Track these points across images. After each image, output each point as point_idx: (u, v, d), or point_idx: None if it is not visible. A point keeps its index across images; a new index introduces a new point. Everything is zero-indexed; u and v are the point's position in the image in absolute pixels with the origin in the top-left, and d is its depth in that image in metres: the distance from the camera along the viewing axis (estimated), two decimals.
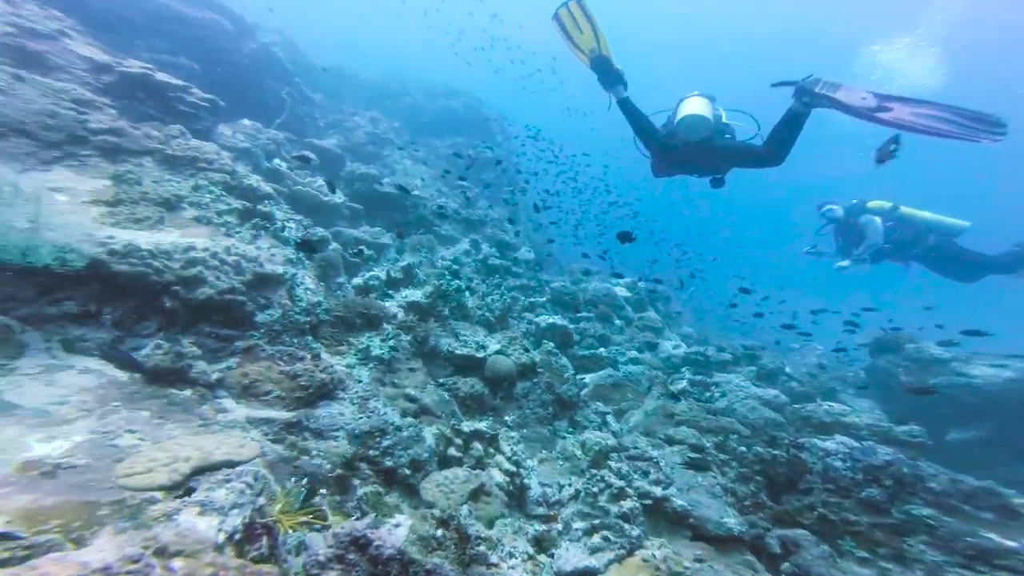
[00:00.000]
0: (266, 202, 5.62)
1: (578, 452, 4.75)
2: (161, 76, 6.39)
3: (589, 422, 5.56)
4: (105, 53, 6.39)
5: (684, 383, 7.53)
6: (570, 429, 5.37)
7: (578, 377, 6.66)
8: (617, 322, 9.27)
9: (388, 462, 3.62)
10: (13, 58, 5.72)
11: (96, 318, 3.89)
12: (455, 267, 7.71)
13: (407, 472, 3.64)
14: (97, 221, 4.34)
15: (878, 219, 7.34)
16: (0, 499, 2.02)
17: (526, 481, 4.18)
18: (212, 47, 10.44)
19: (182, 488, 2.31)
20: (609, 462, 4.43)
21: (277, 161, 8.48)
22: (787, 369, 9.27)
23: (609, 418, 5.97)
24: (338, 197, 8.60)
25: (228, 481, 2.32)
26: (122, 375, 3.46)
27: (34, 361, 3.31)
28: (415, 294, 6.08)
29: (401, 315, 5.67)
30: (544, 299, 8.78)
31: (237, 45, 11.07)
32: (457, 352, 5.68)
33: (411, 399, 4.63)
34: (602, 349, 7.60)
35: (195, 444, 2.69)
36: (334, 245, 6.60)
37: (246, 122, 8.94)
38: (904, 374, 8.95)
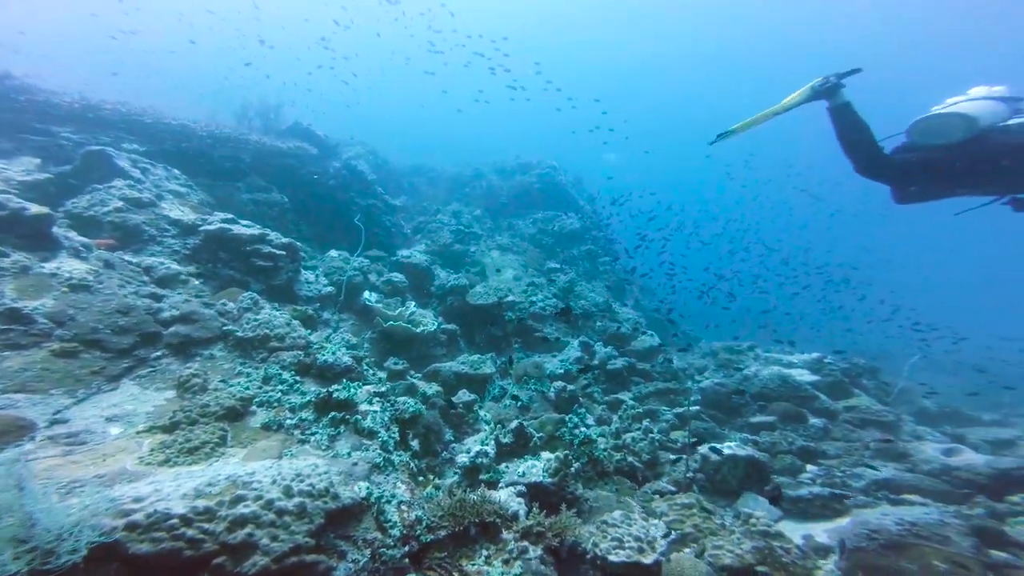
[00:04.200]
0: (344, 381, 4.39)
1: None
2: (238, 229, 5.76)
3: None
4: (194, 211, 5.99)
5: None
6: None
7: (811, 539, 4.19)
8: (815, 421, 6.40)
9: None
10: (118, 236, 5.43)
11: None
12: (576, 403, 5.83)
13: None
14: (143, 463, 3.29)
15: None
16: None
17: None
18: (300, 174, 10.47)
19: None
20: None
21: (367, 293, 7.62)
22: None
23: None
24: (430, 324, 7.41)
25: None
26: None
27: None
28: (534, 470, 4.27)
29: (523, 513, 3.87)
30: (696, 408, 6.43)
31: (323, 167, 11.11)
32: (612, 560, 3.70)
33: None
34: (824, 488, 4.80)
35: None
36: (430, 405, 5.18)
37: (333, 253, 8.37)
38: None
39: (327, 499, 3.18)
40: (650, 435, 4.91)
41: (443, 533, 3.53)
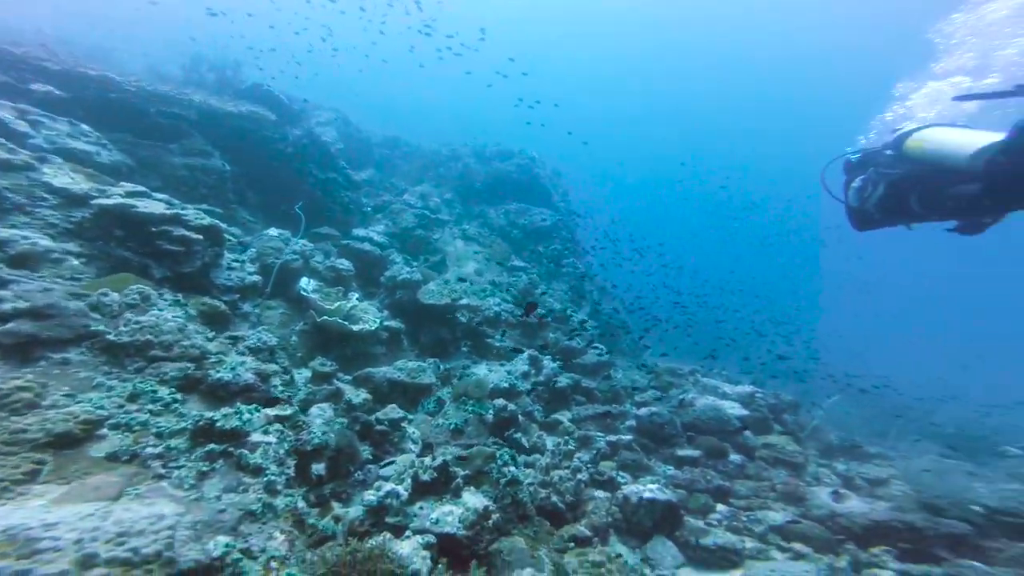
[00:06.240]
0: (237, 405, 3.65)
1: None
2: (146, 206, 4.80)
3: None
4: (89, 179, 4.98)
5: None
6: None
7: None
8: (734, 458, 6.13)
9: None
10: None
11: None
12: (515, 424, 5.33)
13: None
14: None
15: None
16: None
17: None
18: (253, 140, 9.36)
19: None
20: None
21: (304, 281, 6.76)
22: None
23: None
24: (372, 321, 6.67)
25: None
26: None
27: None
28: (450, 518, 3.74)
29: (425, 571, 3.33)
30: (629, 437, 6.05)
31: (281, 133, 9.97)
32: None
33: None
34: (727, 533, 4.56)
35: None
36: (352, 419, 4.54)
37: (273, 232, 7.38)
38: None
39: (155, 567, 2.50)
40: (578, 475, 4.47)
41: None
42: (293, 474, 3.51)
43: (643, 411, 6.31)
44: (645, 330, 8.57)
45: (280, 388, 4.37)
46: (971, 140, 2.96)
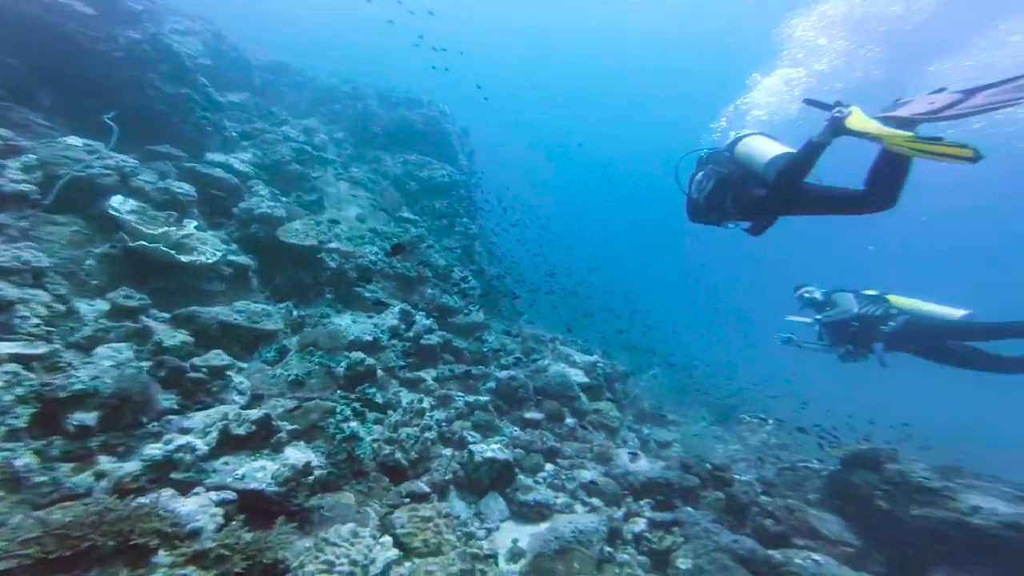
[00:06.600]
0: None
1: None
2: None
3: None
4: None
5: (643, 525, 4.69)
6: None
7: (515, 543, 4.10)
8: (569, 421, 6.44)
9: None
10: None
11: None
12: (372, 378, 4.91)
13: None
14: None
15: (851, 295, 5.67)
16: None
17: None
18: (53, 35, 7.00)
19: None
20: None
21: (118, 199, 5.30)
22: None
23: None
24: (210, 253, 5.54)
25: None
26: None
27: None
28: (260, 473, 3.25)
29: (211, 528, 2.82)
30: (486, 398, 6.03)
31: (108, 34, 7.64)
32: None
33: None
34: (548, 490, 4.81)
35: None
36: (158, 363, 3.66)
37: (74, 141, 5.63)
38: (883, 499, 6.78)
39: None
40: (426, 433, 4.31)
41: (13, 563, 2.26)
42: (25, 425, 2.67)
43: (503, 374, 6.40)
44: (514, 295, 8.67)
45: (37, 320, 3.31)
46: (771, 150, 3.26)
